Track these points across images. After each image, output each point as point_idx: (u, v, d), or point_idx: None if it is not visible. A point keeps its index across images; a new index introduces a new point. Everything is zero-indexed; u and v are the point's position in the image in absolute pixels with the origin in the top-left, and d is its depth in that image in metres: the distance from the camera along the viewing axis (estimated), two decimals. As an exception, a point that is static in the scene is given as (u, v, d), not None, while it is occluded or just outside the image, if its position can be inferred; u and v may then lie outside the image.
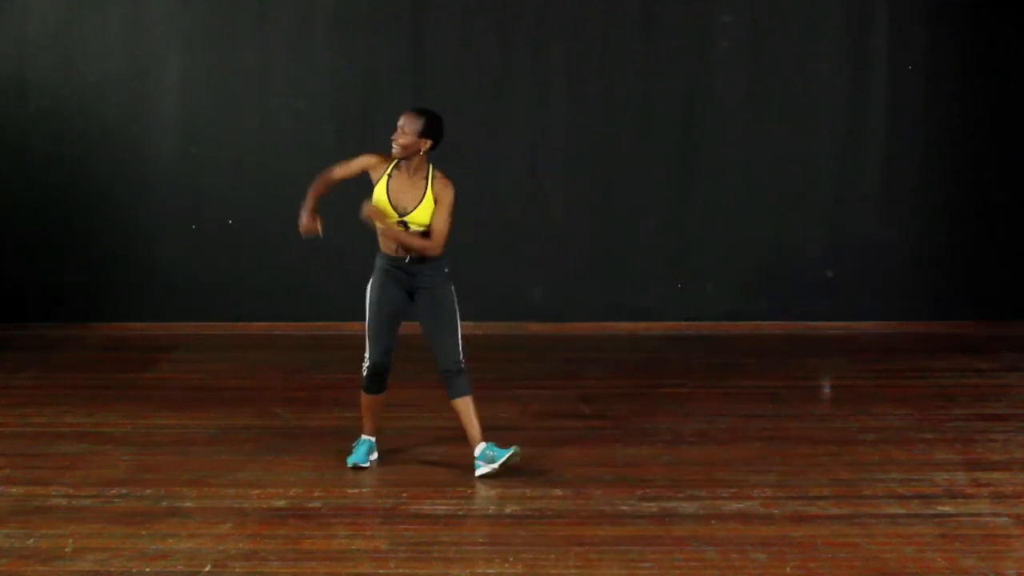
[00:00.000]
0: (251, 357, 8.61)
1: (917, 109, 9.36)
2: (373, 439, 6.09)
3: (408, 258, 5.83)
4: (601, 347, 8.98)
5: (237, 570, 4.71)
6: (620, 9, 9.33)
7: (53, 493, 5.58)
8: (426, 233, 5.78)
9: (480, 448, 5.79)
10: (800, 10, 9.36)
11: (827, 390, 7.76)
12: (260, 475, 5.83)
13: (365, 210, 5.77)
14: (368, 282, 5.93)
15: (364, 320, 5.89)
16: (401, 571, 4.70)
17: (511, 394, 7.10)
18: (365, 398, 6.02)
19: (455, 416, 5.89)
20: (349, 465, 5.95)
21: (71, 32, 9.35)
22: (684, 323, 9.49)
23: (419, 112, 5.81)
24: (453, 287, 5.90)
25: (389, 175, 5.80)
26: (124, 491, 5.60)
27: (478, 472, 5.76)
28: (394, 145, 5.76)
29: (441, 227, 5.78)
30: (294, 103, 9.40)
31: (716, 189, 9.46)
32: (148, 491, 5.60)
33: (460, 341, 5.87)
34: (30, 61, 9.36)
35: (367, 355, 5.90)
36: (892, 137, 9.38)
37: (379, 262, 5.93)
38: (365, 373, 5.93)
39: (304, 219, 5.79)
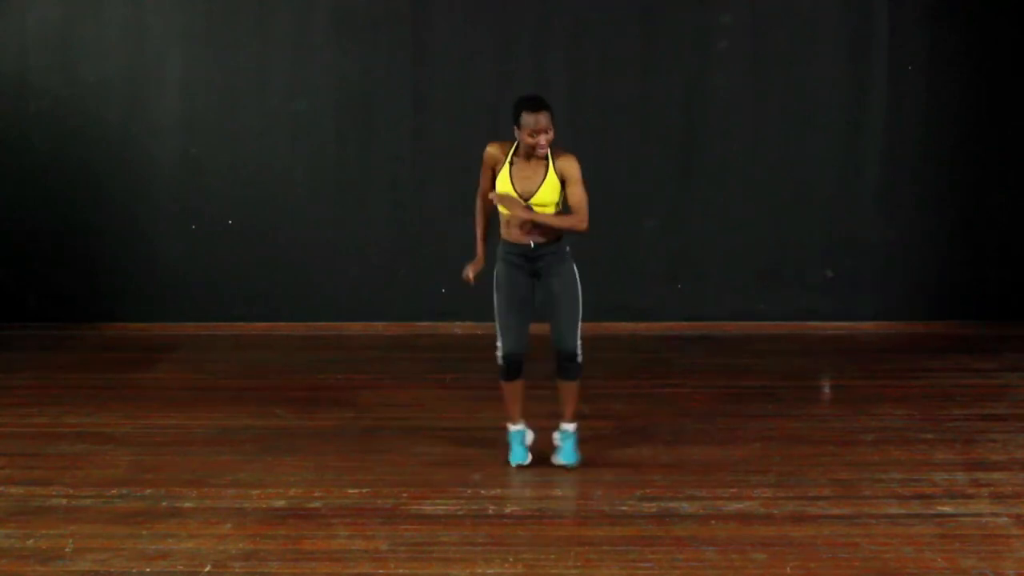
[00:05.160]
0: (251, 357, 8.61)
1: (917, 109, 9.35)
2: (522, 425, 6.03)
3: (533, 245, 5.78)
4: (601, 347, 8.96)
5: (237, 570, 4.71)
6: (620, 9, 9.32)
7: (53, 493, 5.58)
8: (555, 215, 5.75)
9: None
10: (800, 10, 9.35)
11: (827, 390, 7.75)
12: (260, 475, 5.83)
13: (492, 196, 5.69)
14: (493, 273, 5.88)
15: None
16: (401, 571, 4.70)
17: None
18: (506, 387, 5.96)
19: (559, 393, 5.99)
20: (513, 465, 5.91)
21: (71, 32, 9.35)
22: (684, 323, 9.49)
23: (545, 103, 5.65)
24: (576, 269, 5.90)
25: (510, 162, 5.73)
26: (124, 491, 5.61)
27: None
28: (542, 146, 5.62)
29: (581, 201, 5.75)
30: (294, 103, 9.40)
31: (716, 189, 9.45)
32: (148, 491, 5.60)
33: (580, 326, 5.87)
34: (30, 61, 9.35)
35: (500, 345, 5.89)
36: (892, 137, 9.38)
37: (503, 251, 5.86)
38: (502, 364, 5.91)
39: (473, 270, 5.83)
